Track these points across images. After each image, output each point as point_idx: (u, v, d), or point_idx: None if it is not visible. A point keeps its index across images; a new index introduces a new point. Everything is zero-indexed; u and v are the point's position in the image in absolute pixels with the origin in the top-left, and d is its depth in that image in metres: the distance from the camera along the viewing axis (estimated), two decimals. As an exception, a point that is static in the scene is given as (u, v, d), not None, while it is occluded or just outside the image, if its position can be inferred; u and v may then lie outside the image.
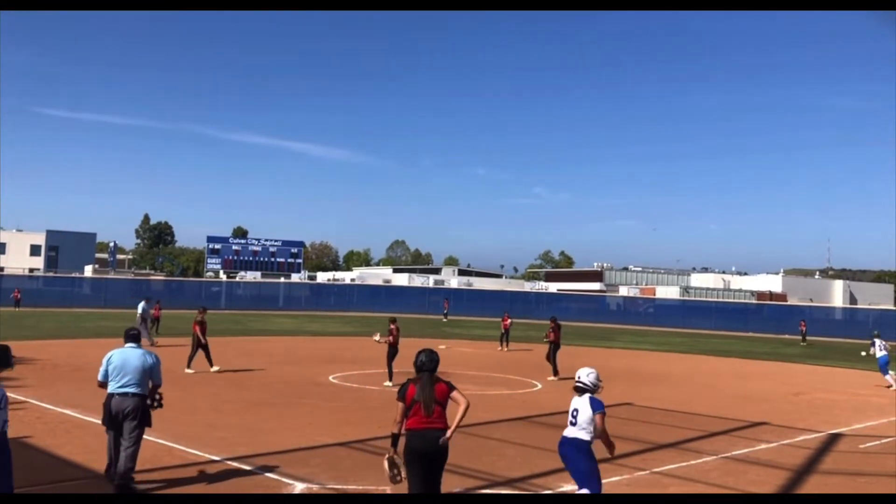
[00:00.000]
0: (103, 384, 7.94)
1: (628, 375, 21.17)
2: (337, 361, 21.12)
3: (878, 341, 21.34)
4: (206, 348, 18.24)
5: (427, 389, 6.17)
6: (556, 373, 19.46)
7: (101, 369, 7.95)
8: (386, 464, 6.28)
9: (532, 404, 14.89)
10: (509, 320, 28.58)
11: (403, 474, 6.21)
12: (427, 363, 6.33)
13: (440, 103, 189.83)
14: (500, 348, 27.70)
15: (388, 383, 16.76)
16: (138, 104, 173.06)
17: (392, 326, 17.43)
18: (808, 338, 41.41)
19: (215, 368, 18.04)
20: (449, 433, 6.15)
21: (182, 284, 63.17)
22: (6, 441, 6.07)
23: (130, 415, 7.69)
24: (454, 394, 6.31)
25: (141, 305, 24.98)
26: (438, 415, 6.15)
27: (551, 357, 19.81)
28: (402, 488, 6.39)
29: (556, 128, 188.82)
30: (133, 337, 8.18)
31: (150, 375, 7.95)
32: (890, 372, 20.50)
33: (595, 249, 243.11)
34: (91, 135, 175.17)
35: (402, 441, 6.22)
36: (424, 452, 6.05)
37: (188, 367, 17.97)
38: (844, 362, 29.13)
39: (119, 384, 7.77)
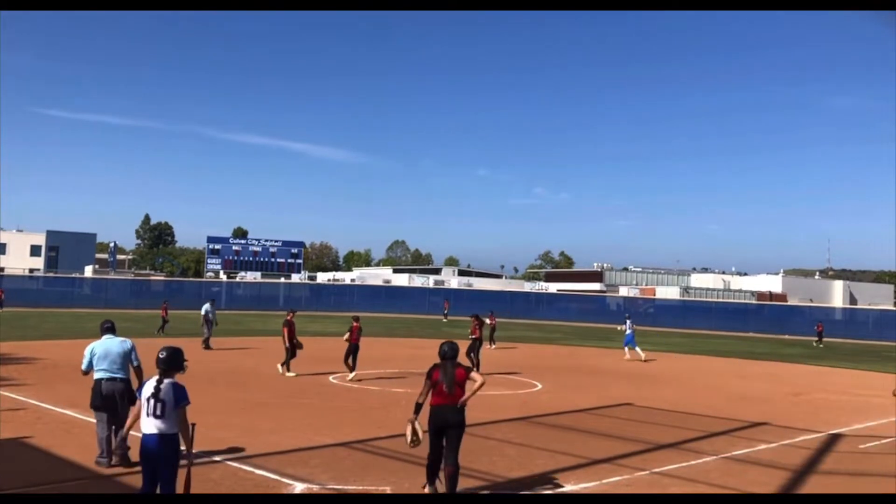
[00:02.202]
0: (87, 372, 8.91)
1: (628, 375, 21.16)
2: (337, 361, 21.04)
3: (628, 321, 26.47)
4: (290, 351, 18.15)
5: (449, 373, 7.54)
6: (477, 367, 19.80)
7: (85, 360, 8.90)
8: (409, 428, 7.61)
9: (532, 404, 14.89)
10: (494, 320, 29.20)
11: (420, 437, 7.61)
12: (449, 352, 7.73)
13: (440, 103, 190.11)
14: (487, 346, 28.04)
15: (350, 376, 17.37)
16: (138, 104, 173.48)
17: (354, 325, 17.97)
18: (816, 340, 40.72)
19: (291, 374, 17.90)
20: (465, 398, 7.57)
21: (182, 285, 63.11)
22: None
23: (123, 397, 8.72)
24: (472, 374, 7.72)
25: (205, 307, 24.51)
26: (459, 393, 7.56)
27: (474, 353, 20.23)
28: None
29: (557, 128, 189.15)
30: (109, 329, 9.13)
31: (129, 359, 8.94)
32: (636, 347, 25.59)
33: (595, 249, 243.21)
34: (91, 135, 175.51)
35: (424, 412, 7.59)
36: (444, 425, 7.45)
37: (288, 370, 17.99)
38: (844, 363, 29.12)
39: (106, 370, 8.78)
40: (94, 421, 8.91)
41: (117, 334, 9.22)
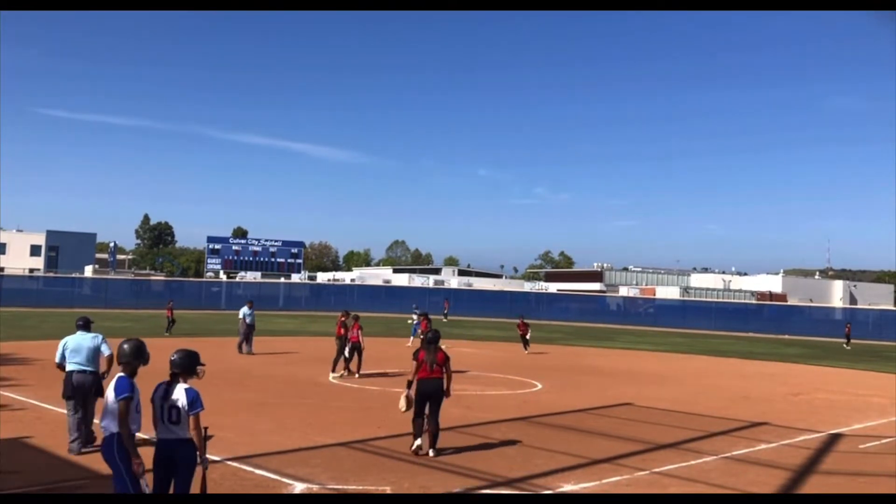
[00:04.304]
0: (61, 365, 9.57)
1: (628, 375, 21.17)
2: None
3: (416, 312, 29.27)
4: (341, 352, 18.30)
5: (432, 354, 10.07)
6: None
7: (59, 352, 9.57)
8: (403, 397, 10.12)
9: (532, 404, 14.89)
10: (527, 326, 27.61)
11: (411, 405, 9.97)
12: (432, 338, 10.36)
13: (440, 103, 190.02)
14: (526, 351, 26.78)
15: (342, 374, 17.97)
16: (138, 104, 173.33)
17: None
18: (845, 341, 39.87)
19: (334, 374, 18.04)
20: (448, 389, 10.16)
21: (182, 285, 63.02)
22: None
23: (91, 389, 9.44)
24: (447, 364, 10.15)
25: (243, 310, 23.14)
26: (438, 370, 10.01)
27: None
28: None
29: (557, 128, 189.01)
30: (82, 326, 9.82)
31: (99, 352, 9.63)
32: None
33: (595, 249, 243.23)
34: (91, 135, 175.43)
35: (413, 386, 10.06)
36: (428, 394, 9.90)
37: (357, 372, 18.12)
38: (844, 362, 29.13)
39: (77, 364, 9.44)
40: (93, 420, 9.29)
41: (91, 331, 9.89)
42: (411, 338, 28.04)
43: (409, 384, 10.13)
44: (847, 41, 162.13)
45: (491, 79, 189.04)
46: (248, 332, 22.85)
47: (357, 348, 18.10)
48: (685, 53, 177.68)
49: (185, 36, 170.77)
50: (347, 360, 18.10)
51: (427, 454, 9.68)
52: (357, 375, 17.93)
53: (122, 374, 5.85)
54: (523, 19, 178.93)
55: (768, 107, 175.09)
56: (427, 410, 9.90)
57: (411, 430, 9.98)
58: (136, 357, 5.97)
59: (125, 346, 6.02)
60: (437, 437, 9.86)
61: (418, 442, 9.86)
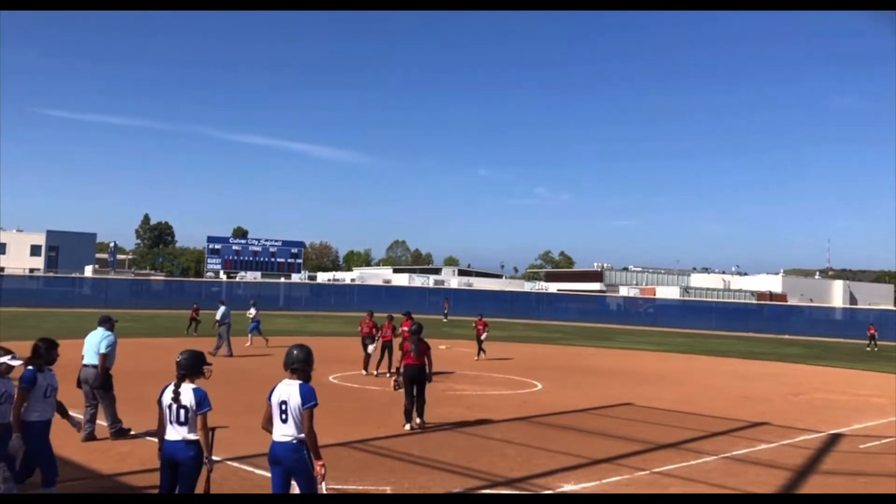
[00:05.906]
0: None
1: (628, 375, 21.16)
2: (337, 361, 21.09)
3: (254, 309, 25.81)
4: (373, 351, 18.91)
5: (416, 344, 11.89)
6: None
7: None
8: (393, 383, 13.29)
9: (532, 404, 14.89)
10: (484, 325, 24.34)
11: (401, 386, 12.11)
12: (417, 330, 12.33)
13: (441, 103, 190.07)
14: (476, 358, 23.78)
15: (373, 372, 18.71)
16: (138, 104, 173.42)
17: (387, 324, 19.54)
18: (869, 343, 39.09)
19: (373, 372, 18.63)
20: (430, 373, 11.99)
21: (182, 285, 63.02)
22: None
23: (88, 381, 10.25)
24: (429, 353, 11.95)
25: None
26: (421, 358, 11.77)
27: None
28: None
29: (558, 128, 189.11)
30: (100, 322, 10.65)
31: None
32: (261, 334, 25.17)
33: (595, 249, 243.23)
34: (91, 135, 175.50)
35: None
36: (413, 377, 11.76)
37: (391, 371, 18.29)
38: (844, 362, 29.13)
39: (85, 357, 10.40)
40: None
41: (111, 330, 10.64)
42: (249, 336, 25.18)
43: (398, 370, 12.38)
44: (847, 41, 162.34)
45: (491, 79, 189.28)
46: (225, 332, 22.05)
47: (388, 347, 18.74)
48: (685, 53, 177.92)
49: (186, 36, 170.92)
50: (380, 359, 18.70)
51: (416, 421, 11.64)
52: (376, 374, 18.43)
53: (300, 381, 5.78)
54: (523, 19, 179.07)
55: (768, 106, 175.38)
56: (414, 392, 11.73)
57: (405, 420, 11.72)
58: (308, 363, 5.89)
59: (295, 351, 5.91)
60: (423, 407, 11.84)
61: (408, 427, 11.58)
